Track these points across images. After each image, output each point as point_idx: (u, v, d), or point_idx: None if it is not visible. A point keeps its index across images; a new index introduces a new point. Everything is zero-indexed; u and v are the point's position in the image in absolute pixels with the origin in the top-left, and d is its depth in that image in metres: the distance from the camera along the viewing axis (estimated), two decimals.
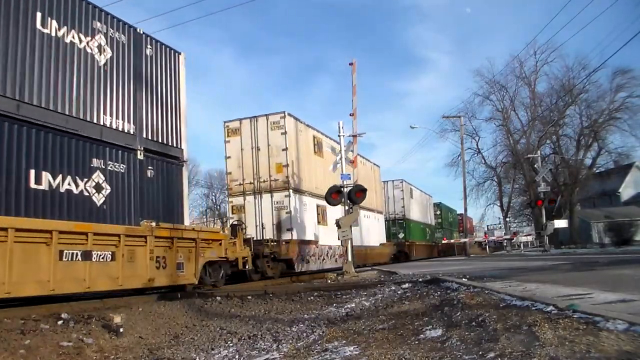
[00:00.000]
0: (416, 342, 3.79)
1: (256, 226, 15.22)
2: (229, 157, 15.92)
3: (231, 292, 9.15)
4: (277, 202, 15.12)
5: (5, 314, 6.07)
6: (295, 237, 14.94)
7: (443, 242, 37.64)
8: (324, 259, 17.16)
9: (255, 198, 15.46)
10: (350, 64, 15.79)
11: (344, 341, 4.38)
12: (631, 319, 2.96)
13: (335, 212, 15.97)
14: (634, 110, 34.82)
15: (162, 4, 79.95)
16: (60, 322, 5.91)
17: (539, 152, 33.04)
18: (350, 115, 15.38)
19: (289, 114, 15.63)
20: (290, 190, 15.03)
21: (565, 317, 3.29)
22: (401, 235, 28.53)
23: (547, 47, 35.95)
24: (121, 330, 5.58)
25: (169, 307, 7.45)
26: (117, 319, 5.59)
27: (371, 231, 22.61)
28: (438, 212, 40.20)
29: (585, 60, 35.02)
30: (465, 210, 34.80)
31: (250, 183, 15.58)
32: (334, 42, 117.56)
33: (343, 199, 13.77)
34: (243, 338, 5.39)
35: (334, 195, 13.81)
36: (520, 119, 40.29)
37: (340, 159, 14.62)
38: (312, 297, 8.22)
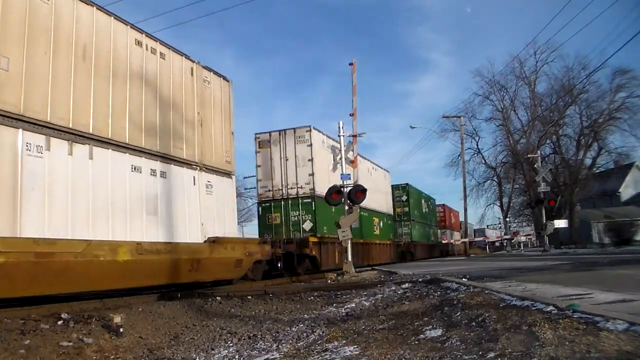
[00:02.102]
0: (416, 342, 3.78)
1: None
2: None
3: (231, 292, 9.15)
4: None
5: (5, 314, 6.06)
6: None
7: (443, 242, 37.22)
8: None
9: None
10: (350, 64, 15.73)
11: (344, 341, 4.38)
12: (631, 319, 2.96)
13: (60, 161, 7.19)
14: (634, 110, 34.97)
15: (162, 4, 79.93)
16: (60, 322, 5.90)
17: (539, 152, 33.04)
18: (350, 115, 15.33)
19: None
20: None
21: (565, 317, 3.29)
22: (307, 226, 16.58)
23: (547, 47, 36.08)
24: (121, 330, 5.58)
25: (169, 307, 7.45)
26: (117, 319, 5.58)
27: (181, 211, 9.72)
28: (404, 198, 28.57)
29: (585, 60, 35.17)
30: (465, 210, 34.80)
31: None
32: (334, 43, 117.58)
33: (343, 199, 13.76)
34: (243, 338, 5.39)
35: (334, 195, 13.80)
36: (520, 119, 40.43)
37: (340, 158, 14.60)
38: (312, 297, 8.22)
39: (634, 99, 34.71)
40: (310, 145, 16.82)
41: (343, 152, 14.62)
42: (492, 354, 2.91)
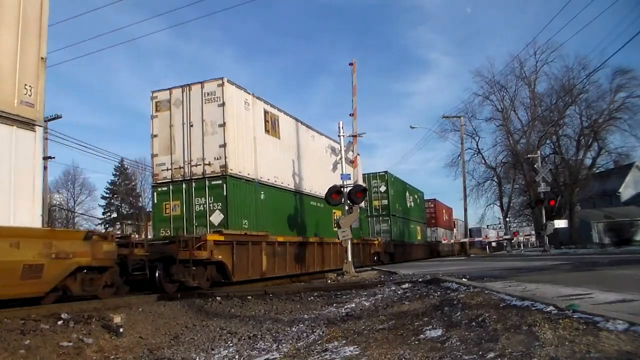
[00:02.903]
0: (416, 342, 3.79)
1: None
2: None
3: (231, 292, 9.16)
4: None
5: (5, 314, 6.07)
6: None
7: (443, 242, 37.11)
8: None
9: None
10: (350, 64, 15.73)
11: (344, 341, 4.38)
12: (631, 319, 2.96)
13: None
14: (634, 110, 34.93)
15: (162, 4, 80.00)
16: (60, 322, 5.91)
17: (539, 152, 33.01)
18: (350, 115, 15.34)
19: None
20: None
21: (565, 317, 3.29)
22: (217, 219, 11.75)
23: (547, 47, 36.05)
24: (121, 330, 5.58)
25: (169, 307, 7.46)
26: (117, 319, 5.59)
27: None
28: (382, 189, 24.53)
29: (585, 60, 35.12)
30: (465, 210, 34.72)
31: None
32: (334, 43, 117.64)
33: (343, 199, 13.77)
34: (243, 338, 5.40)
35: (334, 195, 13.81)
36: (520, 119, 40.41)
37: (340, 159, 14.62)
38: (312, 297, 8.24)
39: (634, 99, 34.73)
40: (223, 104, 12.05)
41: (343, 152, 14.63)
42: (492, 354, 2.91)
